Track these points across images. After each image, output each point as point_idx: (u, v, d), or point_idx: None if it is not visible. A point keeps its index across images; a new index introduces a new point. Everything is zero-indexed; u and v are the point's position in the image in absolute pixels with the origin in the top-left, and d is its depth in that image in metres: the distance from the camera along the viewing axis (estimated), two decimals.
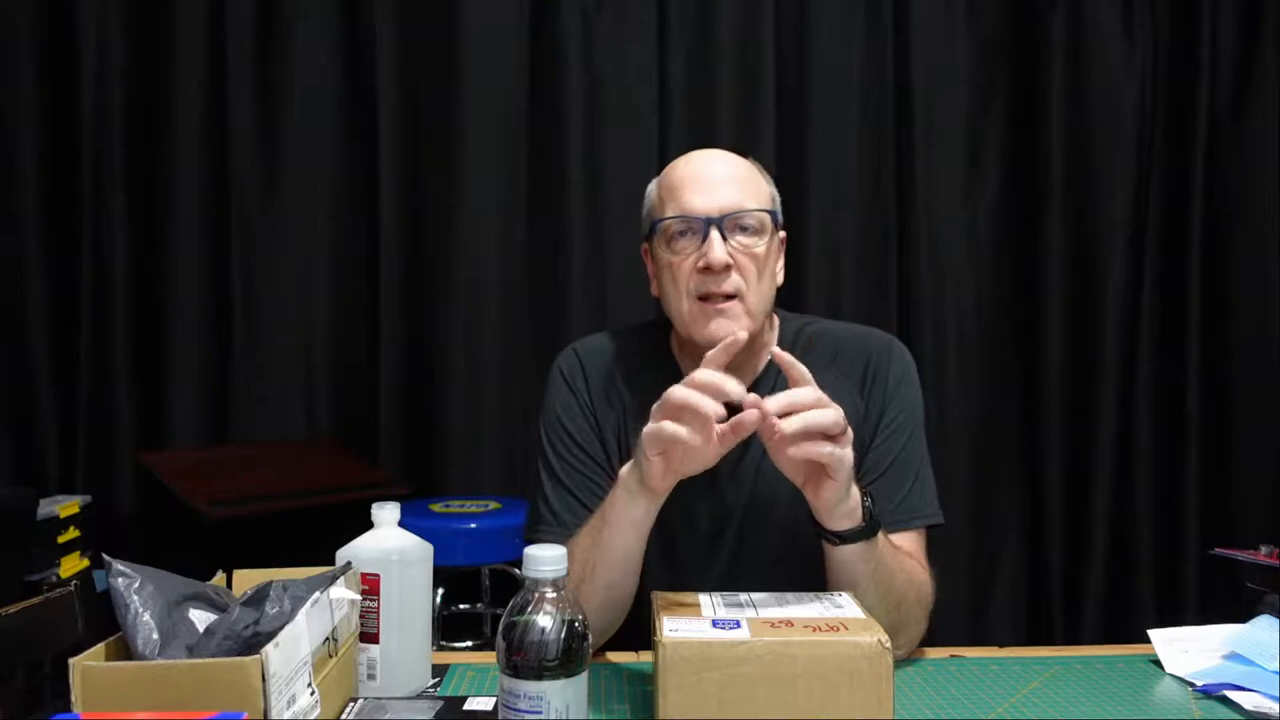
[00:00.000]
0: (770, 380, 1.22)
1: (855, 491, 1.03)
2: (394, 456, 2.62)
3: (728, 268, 1.11)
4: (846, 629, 0.89)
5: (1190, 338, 2.69)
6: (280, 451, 2.53)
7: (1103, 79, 2.69)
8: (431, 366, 2.64)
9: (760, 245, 1.15)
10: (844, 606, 0.96)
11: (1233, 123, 2.70)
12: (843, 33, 2.68)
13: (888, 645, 0.87)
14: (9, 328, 2.53)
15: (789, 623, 0.91)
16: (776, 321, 1.26)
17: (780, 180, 2.65)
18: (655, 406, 1.00)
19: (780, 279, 1.21)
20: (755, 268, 1.14)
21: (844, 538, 1.04)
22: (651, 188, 1.22)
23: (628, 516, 1.07)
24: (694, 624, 0.90)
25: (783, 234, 1.21)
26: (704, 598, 0.99)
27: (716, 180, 1.15)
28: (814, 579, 1.10)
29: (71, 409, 2.55)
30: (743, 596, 0.99)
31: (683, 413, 0.98)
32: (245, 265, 2.60)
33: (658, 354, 1.25)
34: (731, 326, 1.12)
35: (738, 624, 0.90)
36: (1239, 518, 2.67)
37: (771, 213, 1.16)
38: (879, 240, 2.71)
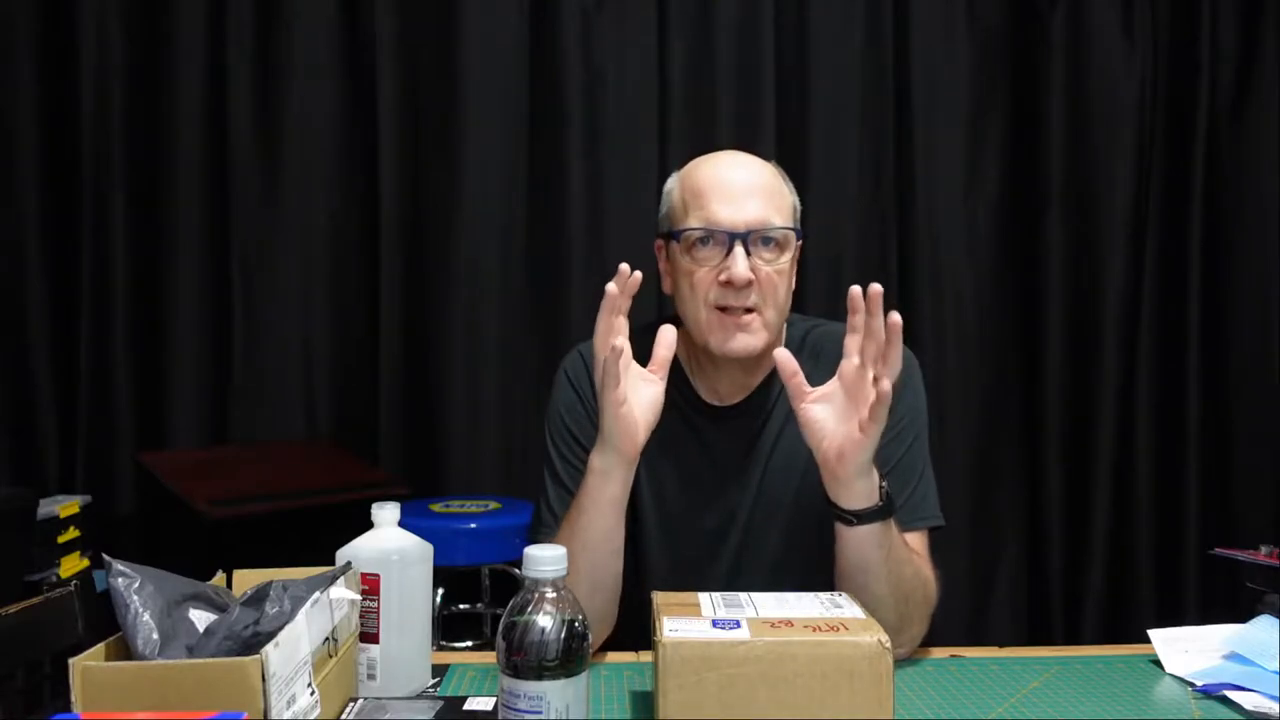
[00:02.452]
0: (776, 384, 1.21)
1: (874, 473, 1.04)
2: (394, 456, 2.61)
3: (749, 283, 1.11)
4: (846, 629, 0.89)
5: (1190, 338, 2.69)
6: (280, 451, 2.53)
7: (1103, 79, 2.69)
8: (431, 366, 2.64)
9: (782, 261, 1.15)
10: (844, 606, 0.96)
11: (1233, 123, 2.70)
12: (843, 33, 2.68)
13: (888, 645, 0.87)
14: (9, 328, 2.53)
15: (789, 623, 0.91)
16: (784, 324, 1.26)
17: None
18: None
19: (793, 286, 1.21)
20: (775, 283, 1.14)
21: (860, 517, 1.04)
22: (673, 185, 1.21)
23: (604, 495, 1.08)
24: (694, 624, 0.90)
25: (800, 241, 1.20)
26: (704, 598, 0.99)
27: (743, 190, 1.13)
28: (818, 579, 1.11)
29: (71, 409, 2.54)
30: (743, 597, 0.99)
31: (606, 374, 1.02)
32: (245, 265, 2.59)
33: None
34: (750, 341, 1.13)
35: (738, 624, 0.90)
36: (1239, 518, 2.67)
37: (796, 230, 1.16)
38: (879, 240, 2.71)
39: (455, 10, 2.60)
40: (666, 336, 1.07)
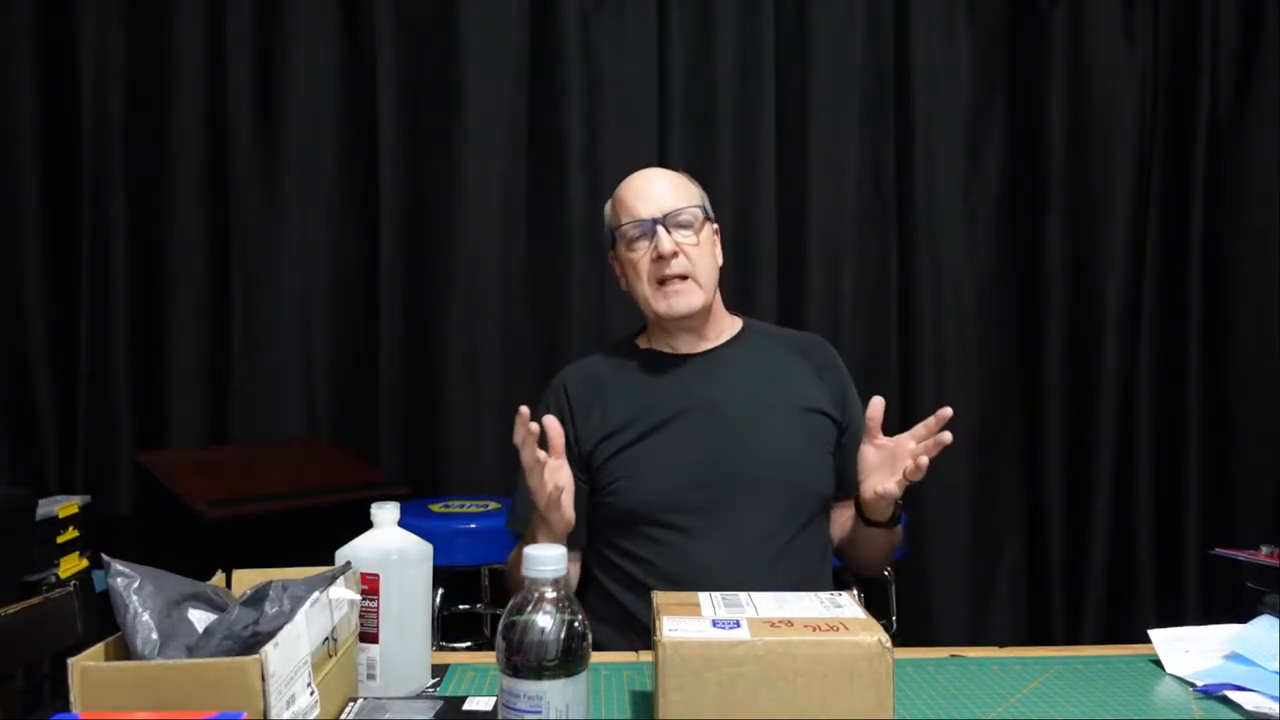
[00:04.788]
0: (735, 345, 1.45)
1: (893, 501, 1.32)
2: (394, 456, 2.62)
3: (675, 254, 1.38)
4: (846, 629, 0.89)
5: (1190, 337, 2.69)
6: (280, 451, 2.53)
7: (1103, 79, 2.70)
8: (431, 367, 2.64)
9: (697, 236, 1.41)
10: (844, 606, 0.96)
11: (1233, 123, 2.71)
12: (843, 32, 2.68)
13: (888, 645, 0.87)
14: (9, 328, 2.53)
15: (789, 622, 0.91)
16: (740, 321, 1.50)
17: (780, 181, 2.63)
18: None
19: (719, 261, 1.46)
20: (696, 251, 1.40)
21: (874, 524, 1.35)
22: (608, 206, 1.48)
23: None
24: (694, 624, 0.90)
25: (715, 226, 1.46)
26: (704, 597, 0.99)
27: (656, 191, 1.42)
28: (813, 511, 1.38)
29: (71, 409, 2.54)
30: (743, 596, 0.99)
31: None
32: (245, 265, 2.60)
33: (626, 349, 1.49)
34: (689, 300, 1.39)
35: (738, 624, 0.90)
36: (1239, 518, 2.67)
37: (701, 208, 1.42)
38: (879, 240, 2.71)
39: (455, 10, 2.60)
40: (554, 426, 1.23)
